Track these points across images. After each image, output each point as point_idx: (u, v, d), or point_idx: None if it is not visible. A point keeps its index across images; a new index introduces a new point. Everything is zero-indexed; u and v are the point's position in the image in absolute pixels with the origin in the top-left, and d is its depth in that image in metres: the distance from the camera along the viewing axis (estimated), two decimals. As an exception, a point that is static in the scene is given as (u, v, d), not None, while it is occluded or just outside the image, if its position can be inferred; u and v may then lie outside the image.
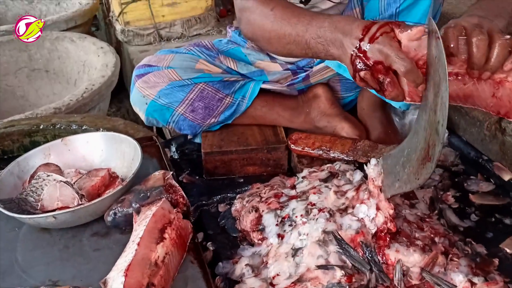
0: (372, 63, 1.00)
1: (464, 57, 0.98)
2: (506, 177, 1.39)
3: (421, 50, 0.97)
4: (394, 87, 0.99)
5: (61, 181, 1.26)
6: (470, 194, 1.38)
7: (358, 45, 1.02)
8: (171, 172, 1.28)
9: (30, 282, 1.12)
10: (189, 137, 1.64)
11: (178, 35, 2.97)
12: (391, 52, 0.97)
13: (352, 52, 1.03)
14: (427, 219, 1.22)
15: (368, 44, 1.00)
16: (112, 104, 2.99)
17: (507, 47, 0.97)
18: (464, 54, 0.98)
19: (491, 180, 1.43)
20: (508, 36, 0.97)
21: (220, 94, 1.55)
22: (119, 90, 2.76)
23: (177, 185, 1.26)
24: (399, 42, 0.99)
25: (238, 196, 1.38)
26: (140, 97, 1.58)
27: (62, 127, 1.84)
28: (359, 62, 1.02)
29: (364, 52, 1.00)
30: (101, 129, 1.79)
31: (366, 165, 1.15)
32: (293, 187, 1.34)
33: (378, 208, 1.11)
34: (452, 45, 0.97)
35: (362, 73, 1.02)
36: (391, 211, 1.09)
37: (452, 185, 1.43)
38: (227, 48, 1.70)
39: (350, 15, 1.44)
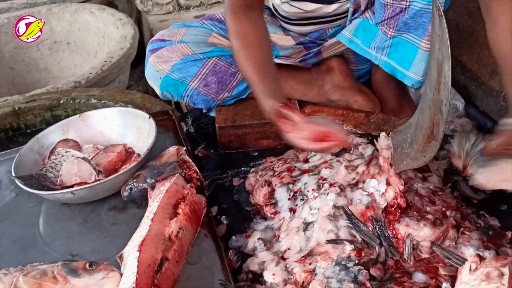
0: None
1: None
2: (523, 149, 1.37)
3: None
4: None
5: (78, 157, 1.29)
6: (485, 166, 1.37)
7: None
8: (184, 148, 1.30)
9: (52, 255, 1.17)
10: (204, 111, 1.65)
11: (197, 3, 2.94)
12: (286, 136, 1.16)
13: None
14: (440, 193, 1.22)
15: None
16: (135, 74, 3.01)
17: None
18: None
19: (508, 151, 1.41)
20: None
21: (233, 68, 1.55)
22: (140, 60, 2.77)
23: (190, 160, 1.28)
24: None
25: (252, 170, 1.40)
26: (154, 72, 1.59)
27: (81, 101, 1.88)
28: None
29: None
30: (119, 103, 1.82)
31: (377, 140, 1.15)
32: (306, 160, 1.35)
33: (388, 183, 1.12)
34: None
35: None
36: (401, 187, 1.09)
37: (467, 156, 1.42)
38: (240, 21, 1.68)
39: None
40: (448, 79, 0.80)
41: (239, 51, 1.33)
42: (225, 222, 1.27)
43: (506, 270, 0.93)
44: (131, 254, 1.03)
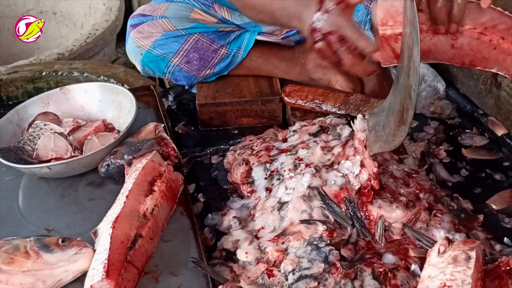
0: (326, 34, 1.02)
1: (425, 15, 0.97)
2: (499, 132, 1.38)
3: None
4: (350, 55, 1.01)
5: (55, 132, 1.29)
6: (462, 149, 1.38)
7: (314, 17, 1.04)
8: (163, 125, 1.30)
9: (29, 228, 1.17)
10: (186, 87, 1.65)
11: (186, -24, 2.90)
12: (342, 21, 1.00)
13: (309, 25, 1.06)
14: (414, 175, 1.23)
15: (322, 15, 1.02)
16: (122, 46, 2.98)
17: None
18: (426, 9, 0.97)
19: (486, 134, 1.42)
20: None
21: (215, 45, 1.54)
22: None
23: (168, 137, 1.28)
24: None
25: (230, 148, 1.40)
26: (135, 48, 1.58)
27: (64, 74, 1.86)
28: (315, 34, 1.04)
29: (320, 24, 1.03)
30: (101, 77, 1.80)
31: (353, 122, 1.16)
32: (285, 140, 1.35)
33: (362, 165, 1.12)
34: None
35: (318, 44, 1.04)
36: (375, 169, 1.10)
37: (446, 138, 1.43)
38: (223, -4, 1.67)
39: None
40: (417, 64, 0.80)
41: None
42: (202, 199, 1.28)
43: (473, 254, 0.94)
44: (105, 230, 1.04)
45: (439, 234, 1.08)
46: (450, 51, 1.02)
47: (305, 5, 1.09)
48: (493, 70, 1.05)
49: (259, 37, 1.55)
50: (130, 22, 1.61)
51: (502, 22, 1.00)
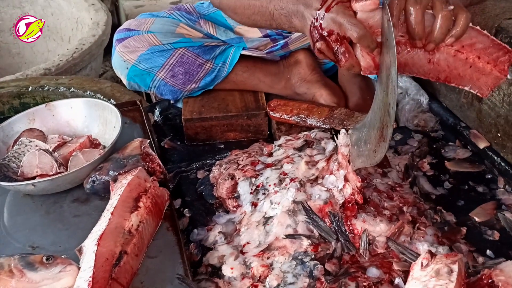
0: (326, 33, 1.00)
1: (404, 28, 0.98)
2: (481, 145, 1.40)
3: (374, 22, 0.98)
4: (349, 56, 0.99)
5: (40, 149, 1.29)
6: (446, 161, 1.40)
7: (315, 15, 1.02)
8: (148, 141, 1.30)
9: (14, 246, 1.17)
10: (171, 101, 1.65)
11: (174, -11, 2.93)
12: (344, 20, 0.97)
13: (311, 23, 1.03)
14: (398, 188, 1.24)
15: (324, 14, 1.00)
16: (110, 60, 2.99)
17: (449, 19, 0.96)
18: (403, 25, 0.98)
19: (468, 147, 1.44)
20: (451, 7, 0.96)
21: (200, 59, 1.55)
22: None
23: (154, 153, 1.28)
24: (355, 13, 1.00)
25: (216, 162, 1.40)
26: (121, 62, 1.59)
27: (50, 89, 1.86)
28: (316, 33, 1.02)
29: (320, 23, 1.01)
30: (88, 92, 1.81)
31: (337, 136, 1.17)
32: (270, 154, 1.36)
33: (346, 180, 1.13)
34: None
35: (318, 44, 1.02)
36: (359, 184, 1.11)
37: (429, 151, 1.44)
38: (208, 11, 1.68)
39: None
40: (395, 83, 0.81)
41: None
42: (187, 215, 1.28)
43: (455, 267, 0.95)
44: (89, 247, 1.03)
45: (423, 247, 1.09)
46: (426, 66, 1.02)
47: (305, 3, 1.06)
48: (466, 88, 1.05)
49: (244, 52, 1.57)
50: (116, 36, 1.62)
51: (480, 41, 1.02)
